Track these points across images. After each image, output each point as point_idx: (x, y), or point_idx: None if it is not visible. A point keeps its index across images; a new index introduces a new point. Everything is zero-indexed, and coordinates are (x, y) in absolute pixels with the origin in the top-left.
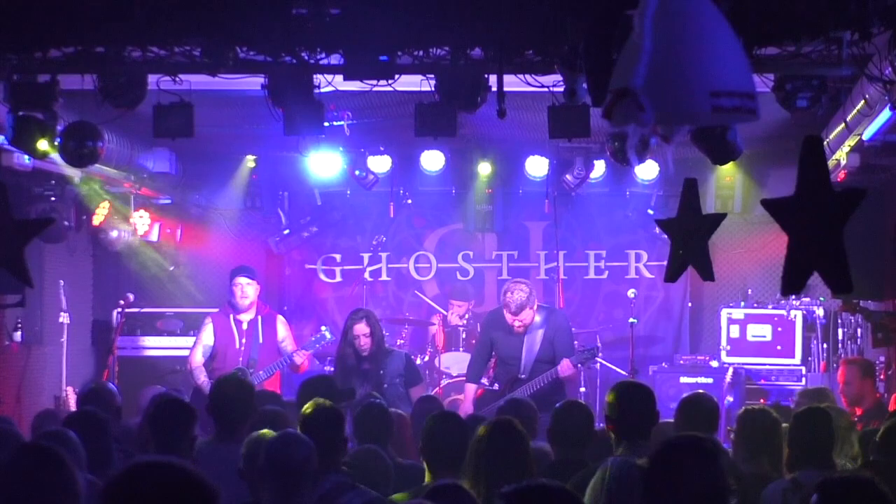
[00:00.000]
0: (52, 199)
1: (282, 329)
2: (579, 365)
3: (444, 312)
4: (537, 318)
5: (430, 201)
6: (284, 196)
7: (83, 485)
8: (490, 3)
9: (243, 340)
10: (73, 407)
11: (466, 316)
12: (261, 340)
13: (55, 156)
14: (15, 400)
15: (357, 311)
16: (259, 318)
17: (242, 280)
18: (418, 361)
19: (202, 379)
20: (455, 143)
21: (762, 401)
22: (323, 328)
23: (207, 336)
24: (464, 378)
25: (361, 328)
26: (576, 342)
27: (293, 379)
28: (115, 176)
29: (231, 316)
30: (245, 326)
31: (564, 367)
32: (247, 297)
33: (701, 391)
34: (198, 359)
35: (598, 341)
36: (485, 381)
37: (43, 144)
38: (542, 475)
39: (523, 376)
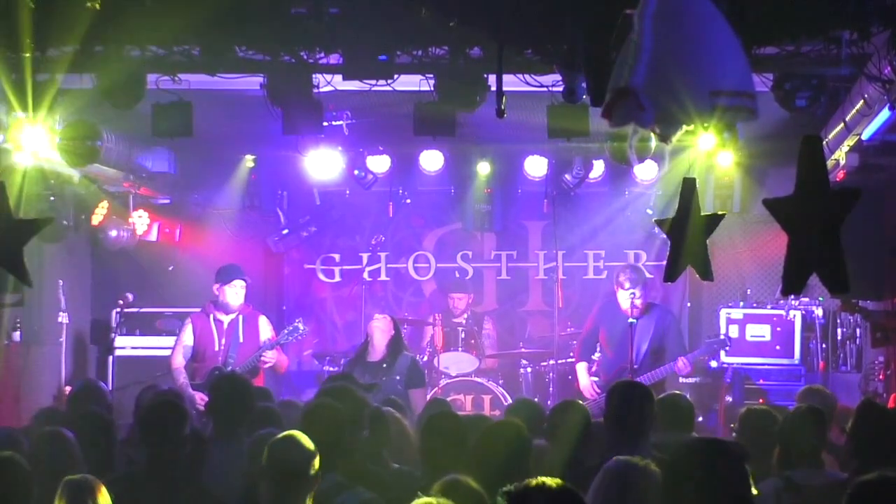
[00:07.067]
0: (52, 198)
1: (265, 330)
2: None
3: (438, 315)
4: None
5: (429, 201)
6: (283, 195)
7: None
8: (489, 3)
9: (223, 340)
10: None
11: (465, 316)
12: (241, 340)
13: (55, 155)
14: (14, 399)
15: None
16: (240, 317)
17: (240, 282)
18: None
19: (181, 380)
20: (454, 143)
21: (761, 401)
22: (297, 321)
23: (187, 337)
24: (462, 378)
25: (381, 322)
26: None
27: (286, 377)
28: (114, 175)
29: (211, 316)
30: (226, 326)
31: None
32: (240, 299)
33: (677, 391)
34: (178, 360)
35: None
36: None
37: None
38: (540, 474)
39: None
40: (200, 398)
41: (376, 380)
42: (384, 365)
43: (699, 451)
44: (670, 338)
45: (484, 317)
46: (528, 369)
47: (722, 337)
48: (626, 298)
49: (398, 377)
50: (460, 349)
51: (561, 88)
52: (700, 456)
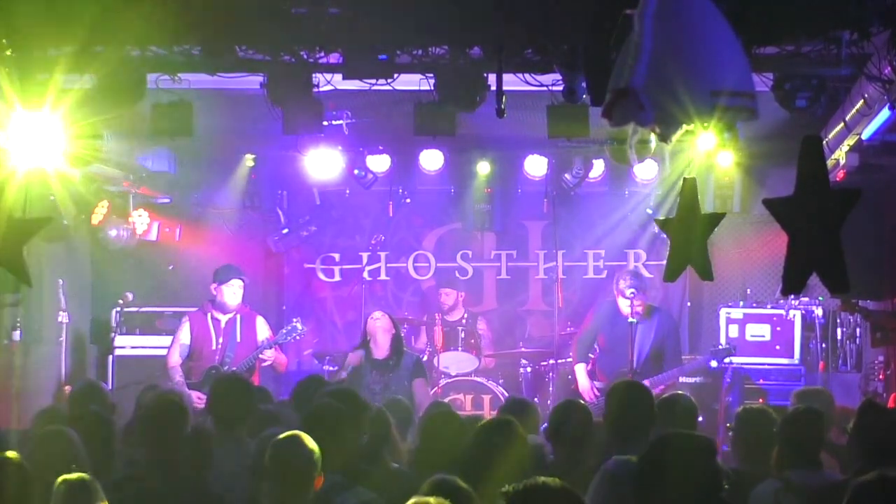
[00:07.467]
0: (52, 198)
1: (262, 330)
2: None
3: (438, 315)
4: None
5: (429, 200)
6: (283, 195)
7: None
8: (489, 3)
9: (220, 339)
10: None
11: (464, 317)
12: (238, 339)
13: (55, 155)
14: (13, 399)
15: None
16: (238, 316)
17: (238, 282)
18: None
19: (177, 379)
20: (454, 143)
21: (760, 400)
22: (295, 320)
23: (184, 335)
24: (462, 377)
25: (382, 320)
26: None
27: (286, 377)
28: (115, 175)
29: (209, 315)
30: (223, 325)
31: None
32: (237, 298)
33: (679, 391)
34: (174, 358)
35: None
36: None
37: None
38: (540, 475)
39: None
40: (197, 397)
41: (385, 377)
42: (391, 362)
43: (669, 444)
44: (669, 345)
45: (478, 317)
46: (528, 369)
47: (725, 345)
48: (627, 306)
49: (405, 373)
50: (460, 349)
51: (561, 88)
52: (670, 449)
